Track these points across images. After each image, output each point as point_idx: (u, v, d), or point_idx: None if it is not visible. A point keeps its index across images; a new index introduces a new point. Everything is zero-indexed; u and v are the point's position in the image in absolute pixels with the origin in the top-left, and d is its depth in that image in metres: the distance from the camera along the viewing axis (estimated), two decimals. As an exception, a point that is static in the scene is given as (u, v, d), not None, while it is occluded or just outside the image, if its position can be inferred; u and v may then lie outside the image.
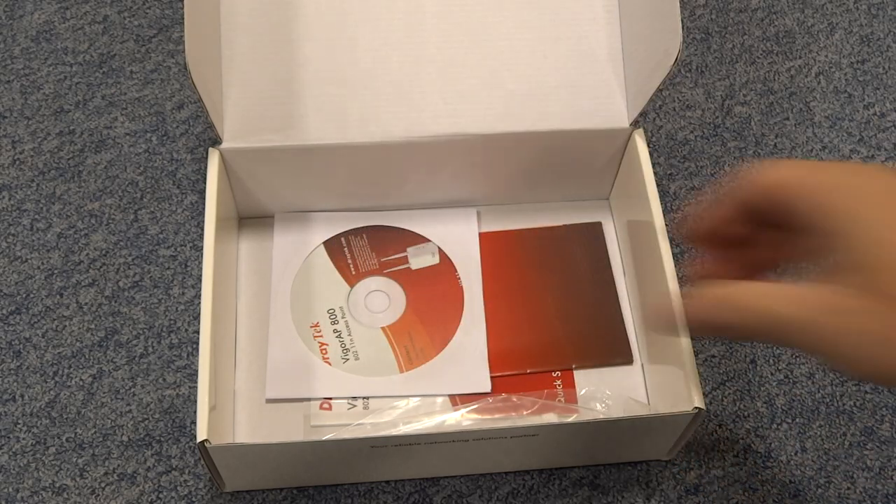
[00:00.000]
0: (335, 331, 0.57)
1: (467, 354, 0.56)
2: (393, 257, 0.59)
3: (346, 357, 0.56)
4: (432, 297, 0.58)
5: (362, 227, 0.60)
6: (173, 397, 0.55)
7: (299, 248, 0.59)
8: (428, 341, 0.56)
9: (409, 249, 0.60)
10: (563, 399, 0.54)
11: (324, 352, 0.56)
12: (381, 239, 0.60)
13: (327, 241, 0.59)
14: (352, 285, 0.58)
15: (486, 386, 0.55)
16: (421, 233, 0.60)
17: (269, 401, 0.54)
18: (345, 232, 0.60)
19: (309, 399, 0.54)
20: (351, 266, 0.59)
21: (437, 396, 0.55)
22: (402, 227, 0.60)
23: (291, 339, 0.56)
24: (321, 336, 0.56)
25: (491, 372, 0.55)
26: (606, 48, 0.56)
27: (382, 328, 0.57)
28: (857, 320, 0.34)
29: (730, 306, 0.38)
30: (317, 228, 0.60)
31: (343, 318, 0.57)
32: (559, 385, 0.55)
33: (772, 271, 0.41)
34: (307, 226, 0.60)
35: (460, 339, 0.57)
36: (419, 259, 0.59)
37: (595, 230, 0.61)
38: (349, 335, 0.56)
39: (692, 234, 0.42)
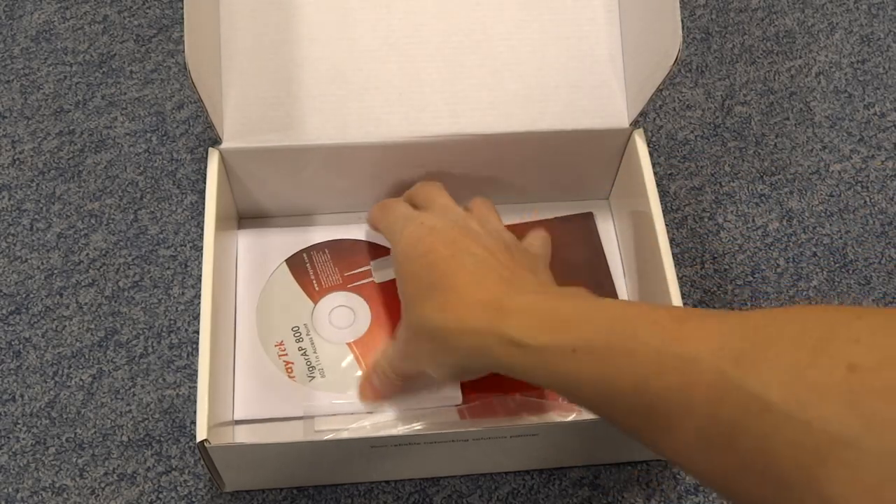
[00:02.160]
0: (300, 348, 0.55)
1: None
2: (356, 271, 0.58)
3: (312, 375, 0.55)
4: (397, 311, 0.55)
5: (325, 242, 0.59)
6: (173, 397, 0.55)
7: (262, 266, 0.58)
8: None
9: (372, 262, 0.59)
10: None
11: (289, 370, 0.55)
12: (344, 253, 0.59)
13: (289, 258, 0.59)
14: (315, 302, 0.57)
15: (457, 398, 0.54)
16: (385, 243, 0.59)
17: (237, 422, 0.53)
18: (307, 248, 0.59)
19: (277, 419, 0.53)
20: (314, 281, 0.58)
21: (407, 411, 0.53)
22: (363, 239, 0.59)
23: (258, 358, 0.55)
24: (286, 354, 0.55)
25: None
26: (606, 48, 0.56)
27: (348, 344, 0.56)
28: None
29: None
30: (279, 245, 0.59)
31: (308, 335, 0.56)
32: None
33: None
34: (270, 242, 0.59)
35: None
36: (383, 272, 0.58)
37: (587, 220, 0.61)
38: (314, 352, 0.55)
39: None
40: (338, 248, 0.59)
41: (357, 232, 0.60)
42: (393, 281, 0.56)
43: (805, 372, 0.30)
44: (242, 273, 0.58)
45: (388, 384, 0.52)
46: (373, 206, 0.57)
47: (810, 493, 0.29)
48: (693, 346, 0.34)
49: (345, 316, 0.57)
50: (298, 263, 0.58)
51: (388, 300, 0.57)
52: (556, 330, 0.39)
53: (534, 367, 0.40)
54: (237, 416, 0.53)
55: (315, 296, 0.57)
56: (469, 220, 0.49)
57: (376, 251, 0.59)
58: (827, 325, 0.32)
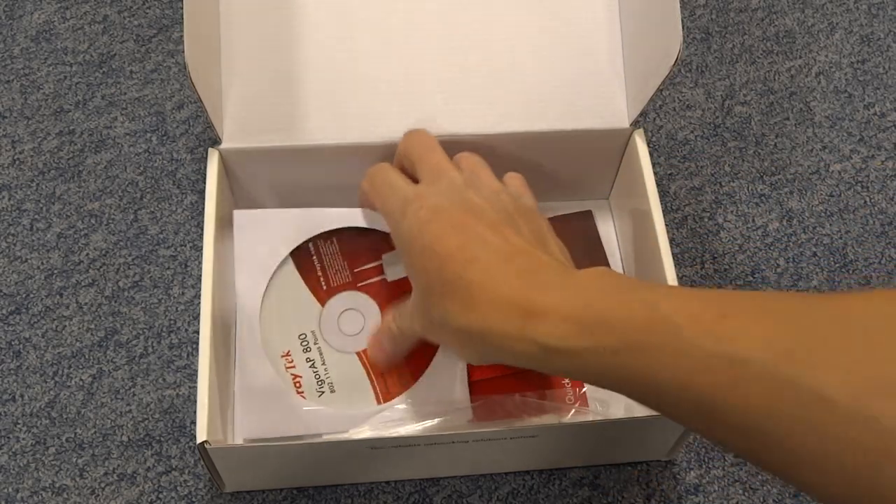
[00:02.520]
0: (308, 359, 0.52)
1: (446, 375, 0.52)
2: (366, 267, 0.54)
3: (322, 389, 0.52)
4: None
5: (332, 231, 0.54)
6: (173, 397, 0.55)
7: (265, 260, 0.53)
8: (404, 365, 0.52)
9: (384, 257, 0.54)
10: (572, 398, 0.54)
11: (297, 384, 0.52)
12: (354, 244, 0.54)
13: (295, 251, 0.53)
14: (323, 303, 0.53)
15: (468, 412, 0.52)
16: None
17: (245, 440, 0.51)
18: (314, 238, 0.53)
19: (283, 440, 0.50)
20: (321, 280, 0.53)
21: (418, 425, 0.51)
22: (376, 228, 0.53)
23: (263, 371, 0.51)
24: (293, 367, 0.52)
25: (494, 372, 0.54)
26: (606, 48, 0.56)
27: (357, 353, 0.53)
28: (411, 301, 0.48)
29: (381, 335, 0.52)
30: (282, 233, 0.53)
31: (315, 343, 0.53)
32: (567, 383, 0.55)
33: None
34: (271, 230, 0.53)
35: (439, 361, 0.52)
36: (395, 268, 0.53)
37: (586, 219, 0.61)
38: (323, 364, 0.52)
39: None
40: (346, 239, 0.54)
41: (362, 220, 0.55)
42: (405, 279, 0.52)
43: (861, 367, 0.30)
44: (239, 269, 0.53)
45: (400, 347, 0.50)
46: (363, 181, 0.51)
47: (873, 491, 0.29)
48: (741, 344, 0.33)
49: (354, 320, 0.53)
50: (305, 257, 0.53)
51: (401, 302, 0.51)
52: (593, 333, 0.38)
53: (572, 368, 0.39)
54: (244, 436, 0.51)
55: (322, 296, 0.53)
56: (467, 190, 0.46)
57: (388, 242, 0.52)
58: (879, 317, 0.31)
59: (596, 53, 0.56)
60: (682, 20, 0.49)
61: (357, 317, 0.54)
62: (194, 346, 0.57)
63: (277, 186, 0.58)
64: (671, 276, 0.51)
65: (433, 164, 0.49)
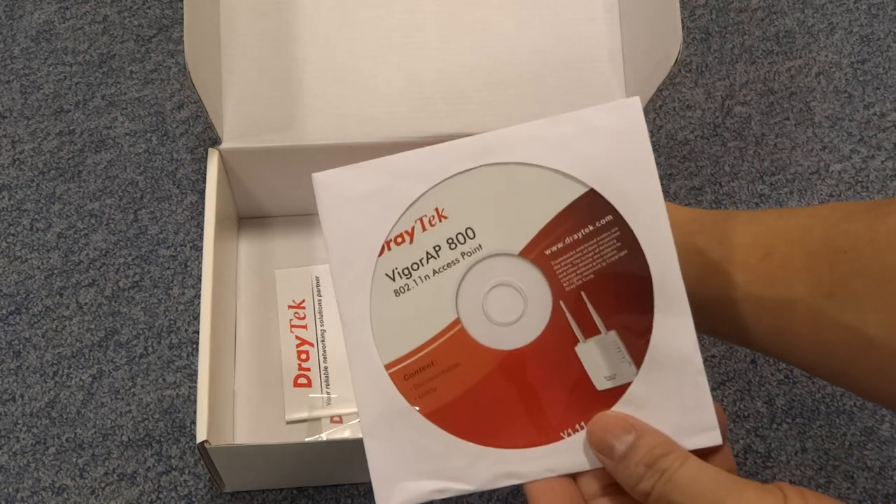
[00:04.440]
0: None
1: None
2: None
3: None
4: None
5: None
6: (173, 397, 0.55)
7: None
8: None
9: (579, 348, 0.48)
10: None
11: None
12: None
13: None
14: None
15: None
16: None
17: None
18: None
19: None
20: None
21: None
22: None
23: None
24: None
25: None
26: (606, 48, 0.56)
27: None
28: None
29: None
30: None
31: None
32: None
33: None
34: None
35: None
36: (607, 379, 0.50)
37: None
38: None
39: None
40: None
41: None
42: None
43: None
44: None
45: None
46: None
47: None
48: (787, 286, 0.34)
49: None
50: None
51: None
52: None
53: None
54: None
55: None
56: None
57: None
58: None
59: (596, 53, 0.56)
60: (682, 20, 0.49)
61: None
62: (194, 346, 0.57)
63: (277, 186, 0.58)
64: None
65: None
